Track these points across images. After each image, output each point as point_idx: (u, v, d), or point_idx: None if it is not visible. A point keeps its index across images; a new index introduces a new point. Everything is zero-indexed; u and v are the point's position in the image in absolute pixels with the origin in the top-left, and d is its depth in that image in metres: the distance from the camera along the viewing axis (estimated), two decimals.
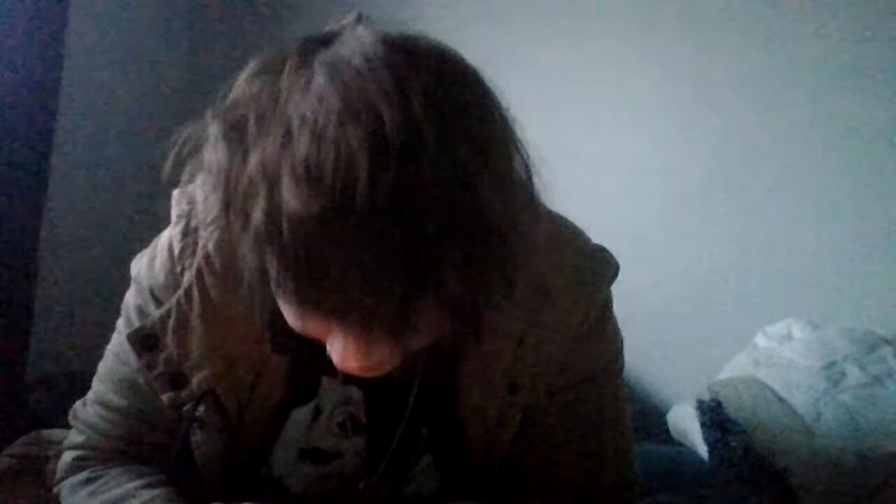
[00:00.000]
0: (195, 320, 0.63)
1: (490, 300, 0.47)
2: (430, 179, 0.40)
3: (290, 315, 0.48)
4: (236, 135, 0.45)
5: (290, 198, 0.40)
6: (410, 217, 0.40)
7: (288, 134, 0.41)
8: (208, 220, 0.63)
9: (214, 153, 0.46)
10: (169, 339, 0.63)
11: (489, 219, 0.43)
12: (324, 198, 0.39)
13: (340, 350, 0.46)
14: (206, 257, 0.63)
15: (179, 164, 0.51)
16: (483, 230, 0.43)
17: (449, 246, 0.41)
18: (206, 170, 0.48)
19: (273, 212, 0.41)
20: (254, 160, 0.42)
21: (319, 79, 0.43)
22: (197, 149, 0.49)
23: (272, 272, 0.45)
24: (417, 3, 1.80)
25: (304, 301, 0.44)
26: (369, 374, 0.48)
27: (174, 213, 0.66)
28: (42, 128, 1.83)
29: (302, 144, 0.41)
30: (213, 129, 0.47)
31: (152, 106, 2.18)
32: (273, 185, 0.41)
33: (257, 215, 0.42)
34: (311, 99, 0.42)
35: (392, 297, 0.41)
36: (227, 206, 0.46)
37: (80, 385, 0.73)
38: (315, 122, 0.41)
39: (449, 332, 0.49)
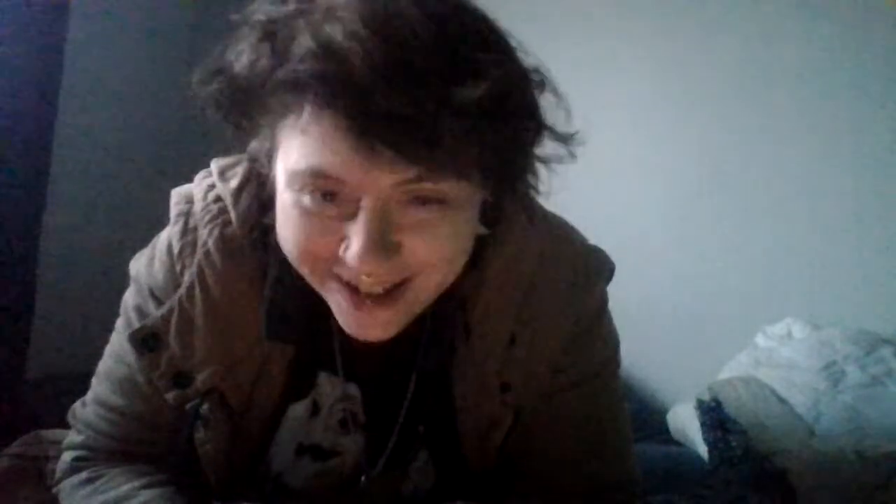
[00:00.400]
0: (198, 318, 0.63)
1: (516, 164, 0.54)
2: (470, 37, 0.50)
3: (309, 181, 0.50)
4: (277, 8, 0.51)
5: (339, 26, 0.47)
6: (449, 48, 0.47)
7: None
8: (207, 218, 0.64)
9: (259, 12, 0.51)
10: (172, 338, 0.63)
11: (520, 85, 0.53)
12: (372, 26, 0.46)
13: (361, 242, 0.49)
14: (207, 255, 0.63)
15: (203, 82, 0.54)
16: (513, 83, 0.51)
17: (482, 75, 0.47)
18: (242, 33, 0.52)
19: (325, 34, 0.47)
20: (298, 6, 0.50)
21: None
22: (220, 67, 0.53)
23: (293, 125, 0.50)
24: None
25: (340, 124, 0.47)
26: (385, 307, 0.54)
27: (173, 212, 0.66)
28: (42, 128, 1.83)
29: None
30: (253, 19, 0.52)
31: (152, 106, 2.18)
32: (325, 16, 0.48)
33: (302, 45, 0.48)
34: None
35: (427, 113, 0.46)
36: (265, 39, 0.50)
37: (80, 385, 0.73)
38: None
39: (479, 199, 0.55)
